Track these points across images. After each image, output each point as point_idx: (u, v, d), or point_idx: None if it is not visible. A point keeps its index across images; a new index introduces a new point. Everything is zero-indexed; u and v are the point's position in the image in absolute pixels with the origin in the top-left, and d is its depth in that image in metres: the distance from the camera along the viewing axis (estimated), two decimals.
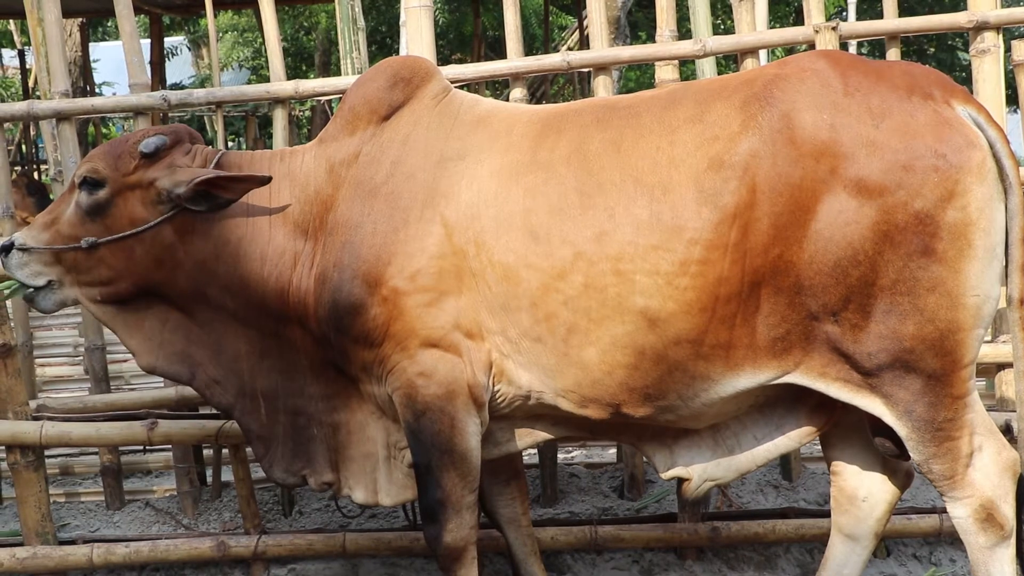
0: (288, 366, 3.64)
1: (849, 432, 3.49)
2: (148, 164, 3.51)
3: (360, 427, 3.64)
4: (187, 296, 3.59)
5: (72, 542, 4.60)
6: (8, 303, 4.44)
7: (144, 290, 3.59)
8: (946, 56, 21.32)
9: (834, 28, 4.66)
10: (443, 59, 4.62)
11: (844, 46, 4.92)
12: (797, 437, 3.40)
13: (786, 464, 5.19)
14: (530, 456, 5.41)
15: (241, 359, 3.65)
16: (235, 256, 3.53)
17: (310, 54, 24.13)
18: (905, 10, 5.96)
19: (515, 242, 3.20)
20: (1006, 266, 3.02)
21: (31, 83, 15.31)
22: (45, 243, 3.57)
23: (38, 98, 5.35)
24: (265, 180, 3.47)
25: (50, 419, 4.51)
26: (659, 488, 5.08)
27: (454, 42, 20.80)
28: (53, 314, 6.55)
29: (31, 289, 3.62)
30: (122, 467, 5.47)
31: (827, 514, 3.78)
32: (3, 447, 4.61)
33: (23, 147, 18.07)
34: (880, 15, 5.12)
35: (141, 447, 5.31)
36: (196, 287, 3.57)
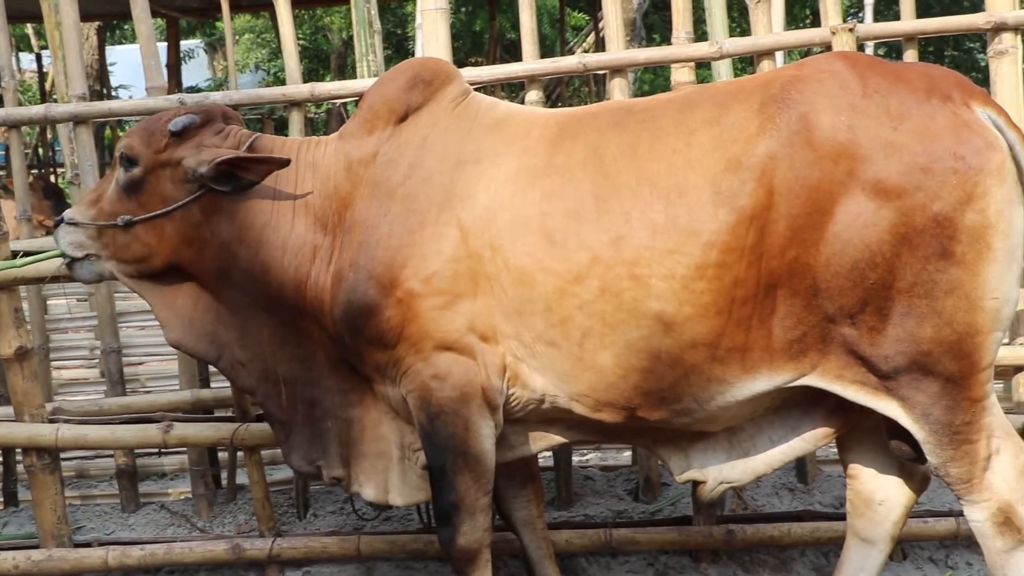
0: (306, 356, 3.65)
1: (866, 435, 3.46)
2: (178, 143, 3.52)
3: (374, 425, 3.64)
4: (214, 277, 3.62)
5: (87, 544, 4.60)
6: (25, 306, 4.45)
7: (176, 267, 3.63)
8: (964, 57, 21.19)
9: (851, 29, 4.64)
10: (458, 61, 4.60)
11: (861, 47, 4.89)
12: (813, 440, 3.38)
13: (802, 467, 5.17)
14: (545, 459, 5.39)
15: (264, 344, 3.67)
16: (258, 241, 3.54)
17: (326, 56, 24.14)
18: (922, 11, 5.92)
19: (531, 246, 3.19)
20: None
21: (48, 86, 15.38)
22: (89, 219, 3.65)
23: (55, 101, 5.36)
24: (284, 163, 3.47)
25: (66, 422, 4.51)
26: (674, 491, 5.07)
27: (467, 44, 20.78)
28: (69, 317, 6.60)
29: (71, 259, 3.70)
30: (137, 470, 5.46)
31: (843, 517, 3.76)
32: (20, 450, 4.62)
33: (40, 150, 18.13)
34: (897, 16, 5.10)
35: (156, 450, 5.34)
36: (222, 269, 3.59)
